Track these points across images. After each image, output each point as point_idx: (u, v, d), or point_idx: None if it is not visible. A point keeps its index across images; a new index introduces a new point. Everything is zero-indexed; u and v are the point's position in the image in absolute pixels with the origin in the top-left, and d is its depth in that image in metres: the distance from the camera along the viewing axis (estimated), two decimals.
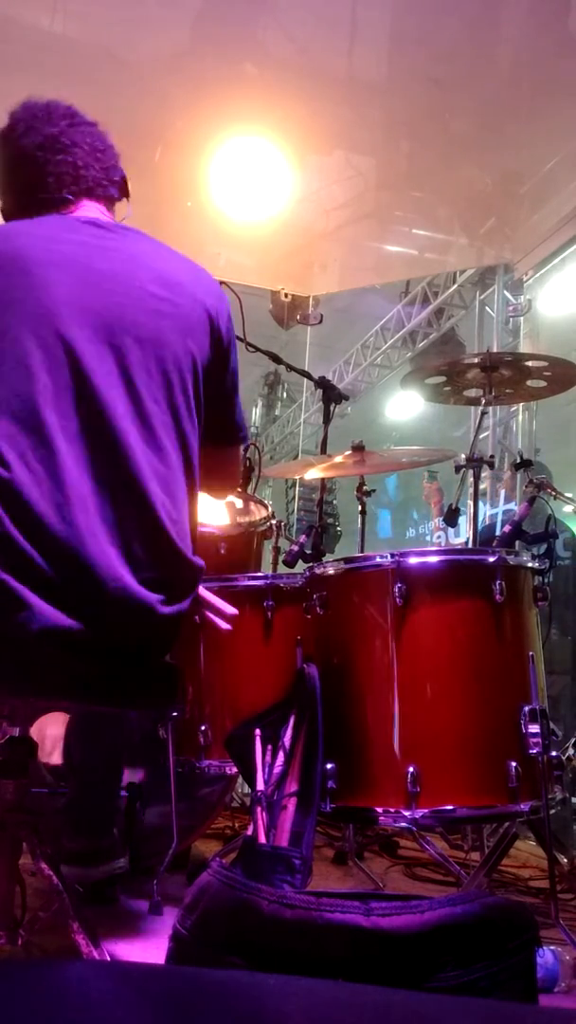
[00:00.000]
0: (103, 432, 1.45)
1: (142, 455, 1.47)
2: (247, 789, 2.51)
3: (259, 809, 1.68)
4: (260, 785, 1.72)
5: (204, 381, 1.62)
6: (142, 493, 1.46)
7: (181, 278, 1.62)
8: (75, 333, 1.47)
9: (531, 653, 1.89)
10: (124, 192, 1.78)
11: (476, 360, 2.82)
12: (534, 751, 1.81)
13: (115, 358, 1.49)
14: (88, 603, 1.40)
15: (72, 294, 1.49)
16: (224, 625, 1.77)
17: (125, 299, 1.53)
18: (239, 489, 2.77)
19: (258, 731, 1.81)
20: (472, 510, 2.97)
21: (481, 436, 4.26)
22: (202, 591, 1.70)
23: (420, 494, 8.74)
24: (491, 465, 2.99)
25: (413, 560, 1.89)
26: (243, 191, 5.08)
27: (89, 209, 1.68)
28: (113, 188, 1.73)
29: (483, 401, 2.84)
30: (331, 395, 3.17)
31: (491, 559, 1.92)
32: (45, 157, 1.64)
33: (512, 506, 5.33)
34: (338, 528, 7.16)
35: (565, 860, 2.50)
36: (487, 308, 6.65)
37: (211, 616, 1.77)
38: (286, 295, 6.16)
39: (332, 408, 3.19)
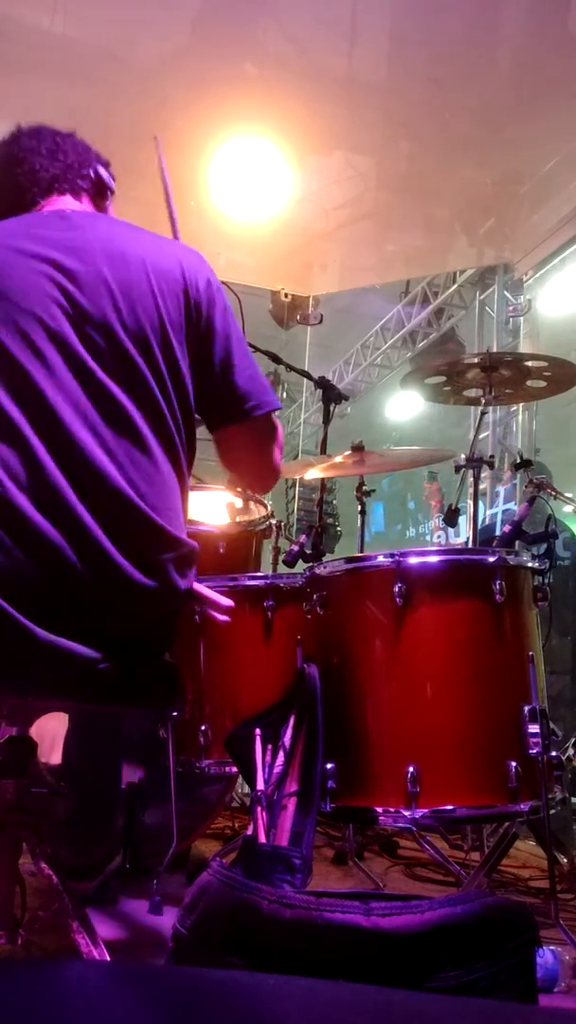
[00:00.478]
0: (65, 426, 1.45)
1: (114, 442, 1.47)
2: (247, 789, 2.51)
3: (259, 809, 1.68)
4: (260, 785, 1.72)
5: (186, 353, 1.58)
6: (105, 480, 1.45)
7: (142, 252, 1.59)
8: (31, 330, 1.47)
9: (531, 653, 1.89)
10: (100, 188, 1.77)
11: (476, 360, 2.82)
12: (534, 751, 1.80)
13: (79, 346, 1.48)
14: (84, 593, 1.42)
15: (30, 289, 1.50)
16: (222, 618, 1.76)
17: (83, 288, 1.51)
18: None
19: (258, 731, 1.81)
20: (472, 510, 2.97)
21: (481, 436, 4.26)
22: (196, 586, 1.70)
23: (412, 484, 8.73)
24: (491, 465, 2.99)
25: (413, 560, 1.89)
26: (243, 191, 5.08)
27: (58, 203, 1.69)
28: (82, 181, 1.73)
29: (483, 401, 2.84)
30: (331, 395, 3.17)
31: (491, 559, 1.92)
32: (7, 171, 1.70)
33: (511, 506, 5.34)
34: (338, 528, 7.16)
35: (565, 860, 2.50)
36: (487, 308, 6.66)
37: (208, 611, 1.77)
38: (286, 295, 6.17)
39: (332, 408, 3.19)
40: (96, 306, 1.50)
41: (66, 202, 1.70)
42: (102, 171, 1.77)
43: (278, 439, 1.73)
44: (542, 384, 2.90)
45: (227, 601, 1.75)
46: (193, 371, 1.59)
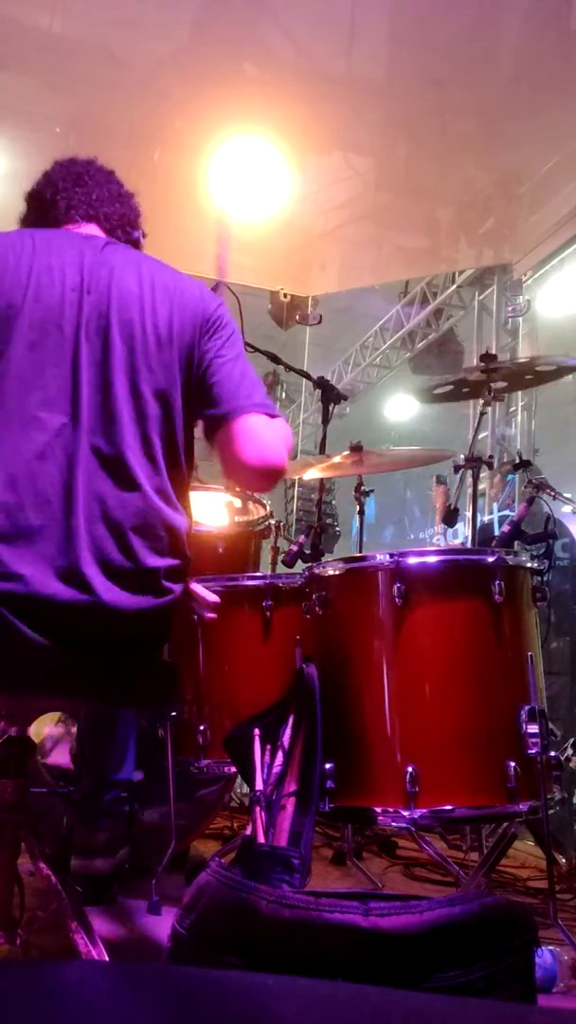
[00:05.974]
0: (85, 434, 1.50)
1: (130, 452, 1.51)
2: (246, 789, 2.51)
3: (258, 809, 1.68)
4: (259, 785, 1.72)
5: (196, 372, 1.63)
6: (116, 485, 1.50)
7: (165, 280, 1.65)
8: (59, 340, 1.53)
9: (530, 653, 1.89)
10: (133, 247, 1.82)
11: (478, 365, 2.81)
12: (533, 751, 1.80)
13: (107, 355, 1.54)
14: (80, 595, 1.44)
15: (58, 301, 1.55)
16: (209, 615, 1.79)
17: (110, 302, 1.57)
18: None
19: (257, 731, 1.81)
20: (471, 510, 2.97)
21: (480, 436, 4.26)
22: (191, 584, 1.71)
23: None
24: (490, 465, 2.99)
25: (412, 560, 1.89)
26: (242, 191, 5.08)
27: (89, 229, 1.75)
28: (122, 232, 1.79)
29: (482, 402, 2.84)
30: (330, 395, 3.17)
31: (490, 559, 1.92)
32: (64, 186, 1.77)
33: (506, 513, 5.31)
34: (337, 528, 7.15)
35: (564, 860, 2.50)
36: (486, 308, 6.66)
37: (196, 606, 1.79)
38: (285, 295, 6.16)
39: (331, 408, 3.19)
40: (122, 320, 1.56)
41: (94, 231, 1.75)
42: (141, 238, 1.85)
43: (261, 439, 1.64)
44: (550, 368, 2.87)
45: (213, 597, 1.77)
46: (196, 387, 1.64)
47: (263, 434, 1.63)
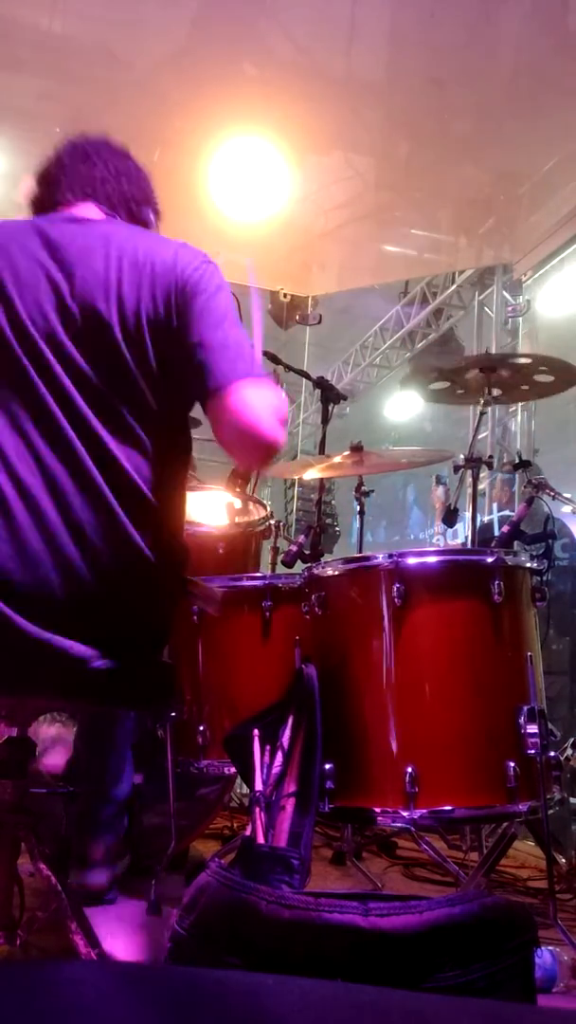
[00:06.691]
0: (45, 418, 1.46)
1: (115, 443, 1.47)
2: (245, 789, 2.51)
3: (258, 809, 1.68)
4: (258, 785, 1.72)
5: (174, 343, 1.52)
6: (110, 475, 1.46)
7: (136, 245, 1.56)
8: (28, 333, 1.48)
9: (529, 653, 1.89)
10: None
11: (475, 361, 2.81)
12: (532, 751, 1.80)
13: (71, 347, 1.49)
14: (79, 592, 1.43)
15: (30, 290, 1.51)
16: (212, 610, 1.78)
17: (75, 286, 1.50)
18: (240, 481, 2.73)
19: (256, 731, 1.81)
20: (471, 510, 2.97)
21: (480, 436, 4.25)
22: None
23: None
24: (489, 466, 2.99)
25: (412, 560, 1.89)
26: (242, 191, 5.08)
27: (84, 209, 1.67)
28: (124, 212, 1.71)
29: (482, 402, 2.84)
30: (329, 395, 3.17)
31: (489, 559, 1.92)
32: (69, 163, 1.72)
33: (506, 513, 5.31)
34: (336, 528, 7.16)
35: (563, 860, 2.50)
36: (486, 308, 6.66)
37: (200, 604, 1.78)
38: (285, 295, 6.16)
39: (331, 408, 3.19)
40: (87, 305, 1.49)
41: (91, 210, 1.67)
42: (152, 218, 1.78)
43: (252, 412, 1.49)
44: (549, 379, 2.86)
45: (216, 592, 1.75)
46: (180, 357, 1.53)
47: (250, 409, 1.48)
